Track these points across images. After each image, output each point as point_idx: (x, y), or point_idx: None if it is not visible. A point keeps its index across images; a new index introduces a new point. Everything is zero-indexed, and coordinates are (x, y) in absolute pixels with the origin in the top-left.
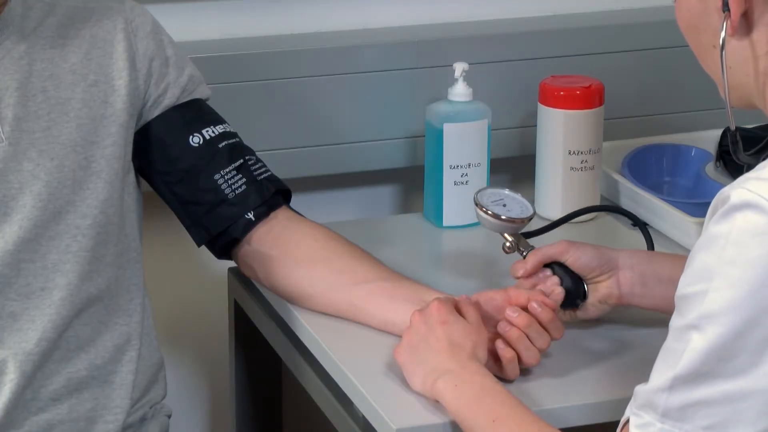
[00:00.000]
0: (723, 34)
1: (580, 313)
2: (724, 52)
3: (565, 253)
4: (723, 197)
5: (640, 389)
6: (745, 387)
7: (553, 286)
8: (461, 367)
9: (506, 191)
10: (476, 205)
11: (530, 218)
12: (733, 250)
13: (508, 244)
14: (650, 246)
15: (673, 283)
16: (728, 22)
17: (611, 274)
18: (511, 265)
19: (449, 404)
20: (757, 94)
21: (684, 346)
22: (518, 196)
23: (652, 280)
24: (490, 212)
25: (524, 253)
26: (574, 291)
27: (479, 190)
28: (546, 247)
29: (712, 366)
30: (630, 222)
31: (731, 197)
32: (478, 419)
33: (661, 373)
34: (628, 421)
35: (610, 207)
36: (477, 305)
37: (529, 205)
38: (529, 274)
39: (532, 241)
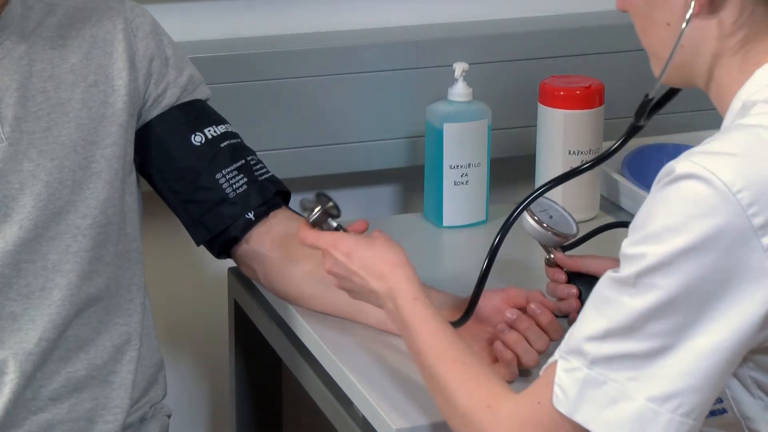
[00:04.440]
0: (690, 11)
1: None
2: (683, 29)
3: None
4: (668, 169)
5: (573, 335)
6: (674, 346)
7: (572, 296)
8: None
9: (556, 205)
10: (527, 211)
11: (574, 236)
12: (675, 217)
13: (551, 257)
14: None
15: None
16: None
17: None
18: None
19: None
20: (704, 74)
21: (620, 301)
22: (566, 213)
23: None
24: (536, 218)
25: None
26: None
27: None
28: (593, 259)
29: (644, 324)
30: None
31: (676, 169)
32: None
33: (595, 321)
34: (554, 362)
35: None
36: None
37: (573, 223)
38: (565, 265)
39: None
